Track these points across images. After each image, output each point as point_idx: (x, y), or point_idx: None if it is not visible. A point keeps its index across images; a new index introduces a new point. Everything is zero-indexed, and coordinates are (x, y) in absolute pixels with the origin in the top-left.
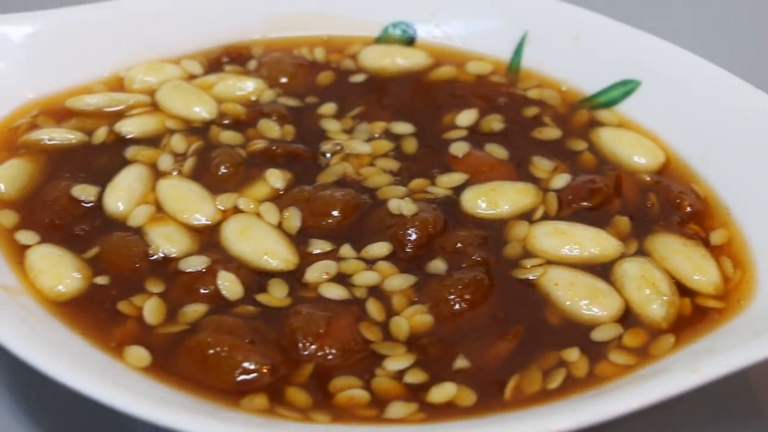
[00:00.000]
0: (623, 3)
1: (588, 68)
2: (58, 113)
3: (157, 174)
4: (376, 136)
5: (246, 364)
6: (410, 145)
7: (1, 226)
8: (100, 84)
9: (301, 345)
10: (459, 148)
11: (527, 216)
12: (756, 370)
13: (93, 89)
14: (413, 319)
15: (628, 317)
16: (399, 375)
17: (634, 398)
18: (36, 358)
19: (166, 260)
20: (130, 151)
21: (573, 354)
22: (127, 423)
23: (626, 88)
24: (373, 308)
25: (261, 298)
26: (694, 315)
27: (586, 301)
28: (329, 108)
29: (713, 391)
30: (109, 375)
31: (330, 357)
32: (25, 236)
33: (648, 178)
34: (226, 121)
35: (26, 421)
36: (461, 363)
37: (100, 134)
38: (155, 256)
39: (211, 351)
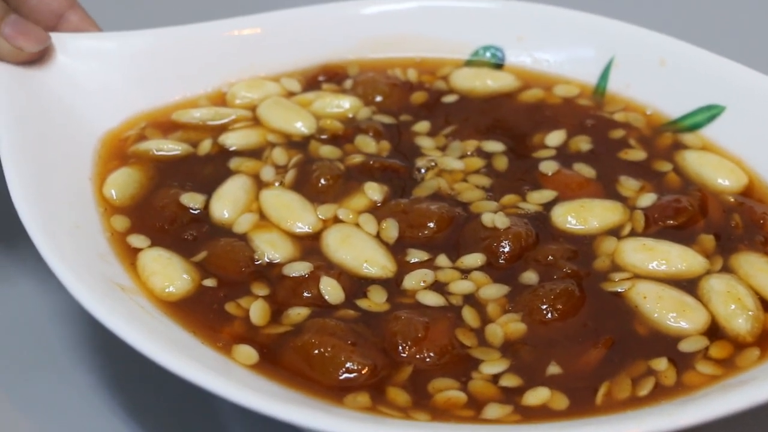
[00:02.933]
0: (706, 30)
1: (673, 93)
2: (165, 125)
3: (259, 184)
4: (469, 153)
5: (348, 364)
6: (501, 163)
7: (115, 230)
8: (204, 99)
9: (401, 348)
10: (548, 167)
11: (615, 232)
12: None
13: (197, 104)
14: (507, 326)
15: (714, 330)
16: (494, 379)
17: (723, 405)
18: (155, 352)
19: (271, 265)
20: (234, 163)
21: (661, 363)
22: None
23: (711, 113)
24: (469, 315)
25: (361, 303)
26: None
27: (673, 313)
28: (423, 126)
29: None
30: (222, 370)
31: (428, 360)
32: (136, 240)
33: (732, 199)
34: (324, 136)
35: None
36: (553, 369)
37: (205, 146)
38: (260, 261)
39: (316, 351)
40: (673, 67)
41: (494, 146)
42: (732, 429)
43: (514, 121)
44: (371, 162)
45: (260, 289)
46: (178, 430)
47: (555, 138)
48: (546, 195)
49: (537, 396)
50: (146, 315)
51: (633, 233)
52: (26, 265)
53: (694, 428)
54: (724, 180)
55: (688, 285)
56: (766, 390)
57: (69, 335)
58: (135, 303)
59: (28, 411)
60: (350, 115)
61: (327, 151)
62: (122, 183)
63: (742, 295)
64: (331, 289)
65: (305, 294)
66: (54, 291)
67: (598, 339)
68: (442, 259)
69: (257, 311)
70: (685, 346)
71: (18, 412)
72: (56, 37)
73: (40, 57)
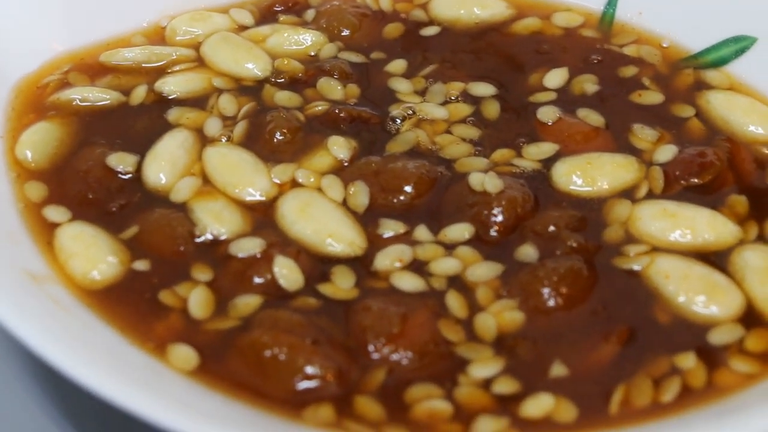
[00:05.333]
0: None
1: (693, 21)
2: (92, 69)
3: (203, 140)
4: (453, 98)
5: (308, 369)
6: (492, 110)
7: (28, 200)
8: (139, 36)
9: (371, 347)
10: (548, 114)
11: (629, 194)
12: None
13: (131, 42)
14: (501, 316)
15: (750, 316)
16: (486, 383)
17: None
18: (64, 362)
19: (215, 243)
20: (173, 114)
21: (688, 360)
22: None
23: (739, 45)
24: (455, 302)
25: (324, 288)
26: None
27: (702, 296)
28: (398, 65)
29: None
30: (150, 381)
31: (405, 361)
32: (54, 212)
33: (766, 151)
34: (281, 80)
35: (62, 421)
36: (558, 370)
37: (139, 94)
38: (202, 238)
39: (268, 352)
40: None
41: (483, 89)
42: None
43: (507, 58)
44: (336, 110)
45: (201, 273)
46: None
47: (555, 78)
48: (545, 149)
49: (539, 405)
50: (60, 311)
51: (650, 195)
52: None
53: None
54: (756, 127)
55: (718, 259)
56: None
57: None
58: (47, 296)
59: None
60: (312, 53)
61: (284, 97)
62: (39, 141)
63: None
64: (287, 272)
65: (256, 279)
66: None
67: (611, 330)
68: (422, 232)
69: (198, 301)
70: (715, 337)
71: None
72: None
73: None
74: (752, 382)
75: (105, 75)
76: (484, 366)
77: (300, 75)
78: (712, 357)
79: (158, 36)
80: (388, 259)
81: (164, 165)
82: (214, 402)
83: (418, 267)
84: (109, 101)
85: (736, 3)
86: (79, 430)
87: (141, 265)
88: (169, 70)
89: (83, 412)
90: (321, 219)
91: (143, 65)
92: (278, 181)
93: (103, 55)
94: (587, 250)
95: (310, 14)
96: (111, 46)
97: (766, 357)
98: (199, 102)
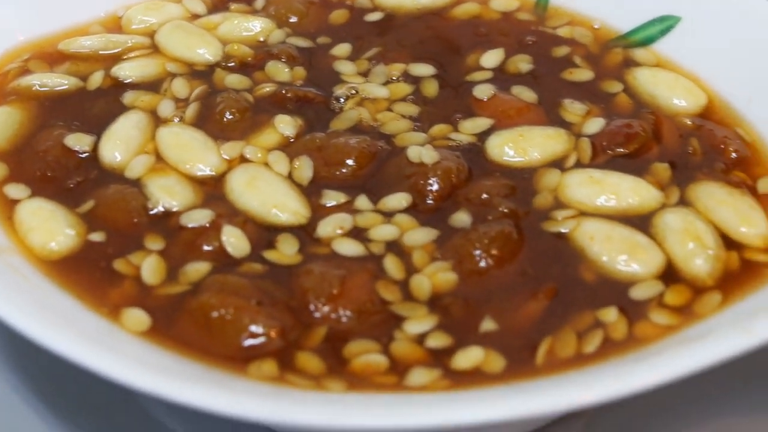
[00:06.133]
0: None
1: (622, 4)
2: (51, 57)
3: (157, 121)
4: (394, 78)
5: (253, 327)
6: (431, 88)
7: None
8: (97, 25)
9: (312, 307)
10: (483, 91)
11: (558, 164)
12: None
13: (89, 31)
14: (435, 277)
15: (669, 274)
16: (420, 338)
17: (683, 362)
18: (25, 324)
19: (167, 215)
20: (128, 97)
21: (610, 314)
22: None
23: (664, 24)
24: (392, 265)
25: (269, 255)
26: (742, 270)
27: (624, 256)
28: (343, 49)
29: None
30: (105, 341)
31: (344, 319)
32: (14, 190)
33: (689, 122)
34: (231, 64)
35: (23, 389)
36: (488, 325)
37: (96, 79)
38: (155, 210)
39: (215, 313)
40: None
41: (423, 69)
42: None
43: (447, 40)
44: (283, 91)
45: (154, 243)
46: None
47: (491, 58)
48: (480, 123)
49: (469, 357)
50: (19, 278)
51: (578, 164)
52: None
53: None
54: (680, 100)
55: (641, 222)
56: (733, 342)
57: None
58: (8, 265)
59: None
60: (261, 39)
61: (234, 80)
62: (0, 124)
63: (701, 231)
64: (234, 240)
65: (205, 247)
66: None
67: (539, 288)
68: (362, 201)
69: (150, 268)
70: (637, 293)
71: None
72: None
73: None
74: (670, 332)
75: (64, 62)
76: (418, 322)
77: (249, 59)
78: (633, 311)
79: (115, 25)
80: (330, 227)
81: (119, 144)
82: (166, 359)
83: (358, 234)
84: (67, 86)
85: None
86: (38, 395)
87: (97, 236)
88: (125, 57)
89: (42, 376)
90: (267, 191)
91: (100, 52)
92: (227, 157)
93: (61, 43)
94: (517, 215)
95: (259, 2)
96: (69, 35)
97: (684, 309)
98: (153, 86)
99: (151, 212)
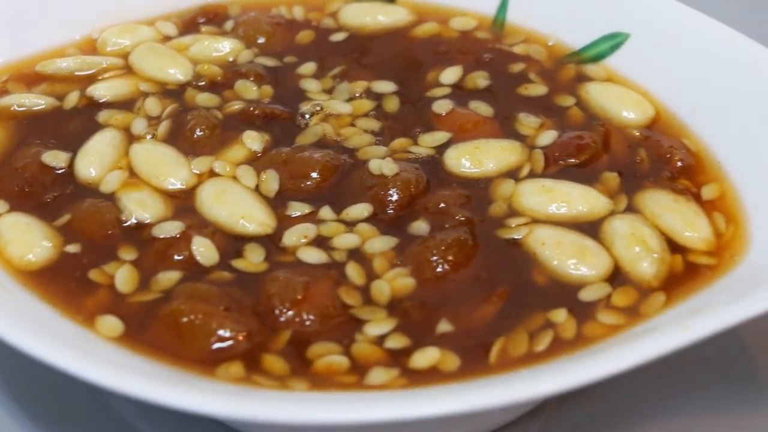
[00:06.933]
0: None
1: (575, 22)
2: (29, 78)
3: (130, 138)
4: (357, 95)
5: (221, 332)
6: (392, 104)
7: None
8: (73, 47)
9: (277, 311)
10: (442, 106)
11: (513, 174)
12: (751, 329)
13: (65, 53)
14: (394, 282)
15: (617, 276)
16: (380, 340)
17: (624, 358)
18: (4, 331)
19: (140, 226)
20: (103, 116)
21: (560, 315)
22: (107, 397)
23: (614, 41)
24: (353, 272)
25: (237, 263)
26: (685, 272)
27: (573, 260)
28: (308, 68)
29: (707, 351)
30: (81, 346)
31: (308, 323)
32: None
33: (637, 133)
34: (201, 83)
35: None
36: (444, 327)
37: (72, 99)
38: (128, 223)
39: (185, 319)
40: None
41: (385, 86)
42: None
43: (408, 59)
44: (251, 109)
45: (127, 253)
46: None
47: (450, 75)
48: (439, 137)
49: (426, 357)
50: None
51: (532, 174)
52: None
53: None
54: (629, 112)
55: (591, 228)
56: (671, 338)
57: None
58: None
59: None
60: (230, 59)
61: (204, 98)
62: None
63: (647, 236)
64: (203, 250)
65: (176, 256)
66: None
67: (493, 292)
68: (326, 212)
69: (123, 278)
70: (585, 295)
71: None
72: None
73: None
74: (618, 332)
75: (41, 83)
76: (378, 325)
77: (219, 78)
78: (582, 312)
79: (90, 47)
80: (294, 236)
81: (94, 160)
82: (139, 363)
83: (321, 242)
84: (44, 106)
85: (611, 4)
86: (13, 396)
87: (73, 248)
88: (99, 78)
89: (19, 383)
90: (235, 203)
91: (76, 73)
92: (197, 172)
93: (39, 65)
94: (473, 223)
95: (229, 24)
96: (47, 57)
97: (631, 310)
98: (127, 105)
99: (125, 224)
